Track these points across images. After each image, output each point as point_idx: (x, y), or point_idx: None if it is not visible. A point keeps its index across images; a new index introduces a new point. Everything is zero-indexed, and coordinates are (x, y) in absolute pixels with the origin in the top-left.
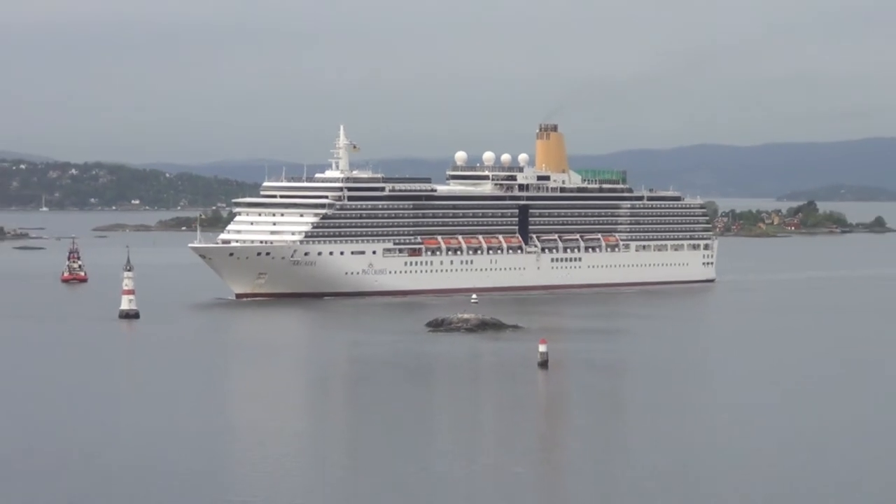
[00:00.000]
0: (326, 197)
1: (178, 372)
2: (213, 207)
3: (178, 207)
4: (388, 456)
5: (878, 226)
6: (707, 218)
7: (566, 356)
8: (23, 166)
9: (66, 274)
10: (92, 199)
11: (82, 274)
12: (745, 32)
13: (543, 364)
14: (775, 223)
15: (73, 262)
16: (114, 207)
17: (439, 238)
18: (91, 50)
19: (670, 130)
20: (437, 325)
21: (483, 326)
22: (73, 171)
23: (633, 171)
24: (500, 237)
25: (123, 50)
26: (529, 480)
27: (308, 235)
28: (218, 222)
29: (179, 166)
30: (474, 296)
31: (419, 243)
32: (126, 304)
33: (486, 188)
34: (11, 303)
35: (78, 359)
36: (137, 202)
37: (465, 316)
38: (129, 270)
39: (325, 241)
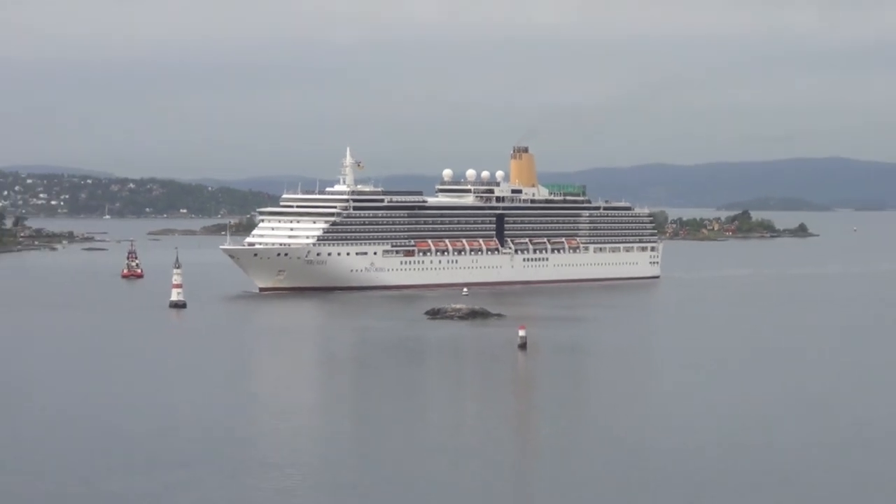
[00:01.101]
0: (335, 207)
1: (216, 352)
2: (248, 215)
3: (219, 215)
4: (391, 424)
5: (801, 231)
6: (653, 224)
7: (541, 339)
8: (89, 181)
9: (125, 271)
10: (147, 209)
11: (139, 271)
12: (694, 70)
13: (523, 346)
14: (716, 229)
15: (132, 261)
16: (165, 215)
17: (430, 241)
18: (149, 86)
19: (629, 151)
20: (434, 314)
21: (473, 315)
22: (132, 185)
23: (596, 186)
24: (481, 240)
25: (176, 85)
26: (511, 445)
27: (320, 239)
28: (252, 227)
29: (220, 181)
30: (465, 289)
31: (413, 246)
32: (175, 296)
33: (469, 200)
34: (80, 294)
35: (135, 341)
36: (185, 211)
37: (458, 306)
38: (177, 268)
39: (333, 244)
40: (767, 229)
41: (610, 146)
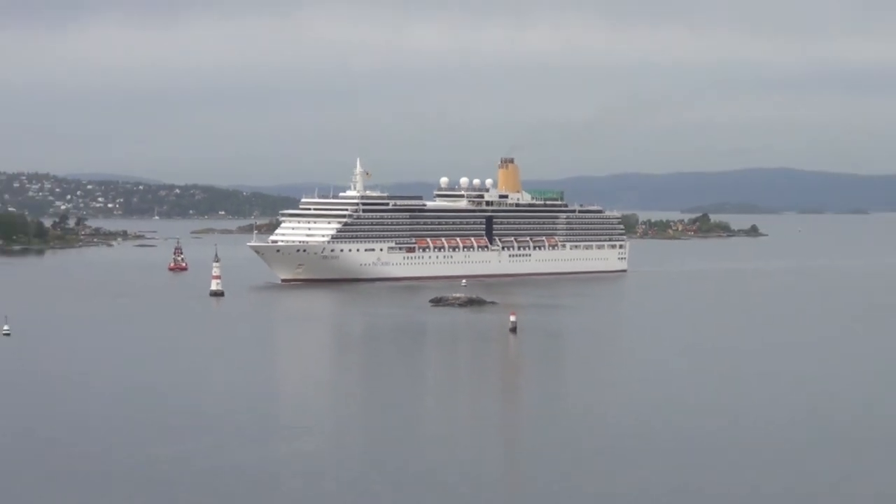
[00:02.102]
0: (347, 209)
1: (248, 333)
2: (277, 217)
3: (252, 217)
4: (400, 395)
5: (753, 232)
6: (622, 225)
7: (529, 324)
8: (141, 187)
9: (171, 264)
10: (190, 211)
11: (183, 264)
12: (662, 92)
13: (513, 329)
14: (679, 230)
15: (177, 255)
16: (206, 217)
17: (428, 239)
18: (192, 106)
19: (604, 162)
20: (438, 301)
21: (470, 302)
22: (177, 191)
23: (575, 193)
24: (472, 239)
25: (215, 106)
26: (502, 413)
27: (333, 237)
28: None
29: (253, 187)
30: (464, 281)
31: (414, 243)
32: (215, 285)
33: (462, 204)
34: (133, 284)
35: (180, 325)
36: (223, 213)
37: (458, 295)
38: (216, 262)
39: (345, 241)
40: (724, 230)
41: (588, 157)
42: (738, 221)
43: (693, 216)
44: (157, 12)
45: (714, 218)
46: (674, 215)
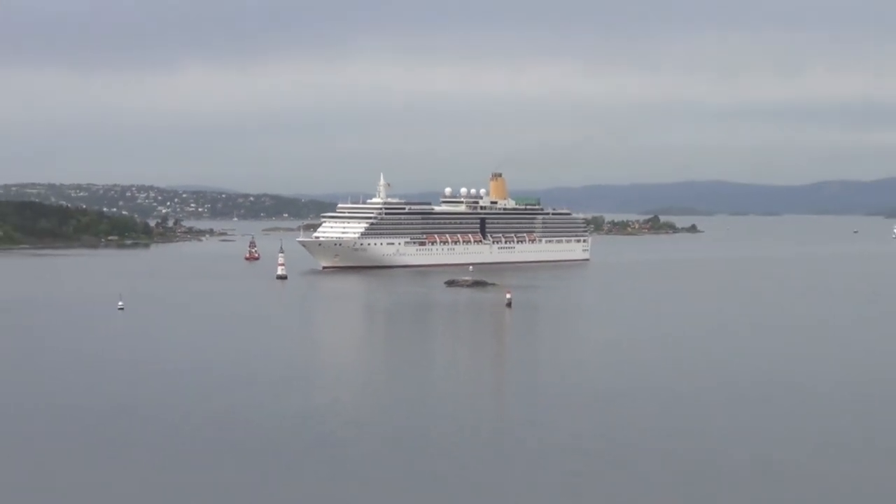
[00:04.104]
0: (373, 212)
1: (304, 307)
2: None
3: (309, 218)
4: (420, 353)
5: (693, 229)
6: (586, 224)
7: (520, 300)
8: (223, 195)
9: (247, 255)
10: (261, 214)
11: (256, 255)
12: (625, 121)
13: (509, 305)
14: (636, 228)
15: (252, 248)
16: (273, 218)
17: (436, 235)
18: (261, 134)
19: (578, 175)
20: (451, 283)
21: (476, 284)
22: (251, 198)
23: (555, 200)
24: (470, 235)
25: (280, 133)
26: (500, 367)
27: (362, 234)
28: None
29: (310, 195)
30: (471, 267)
31: (425, 238)
32: (280, 271)
33: (462, 208)
34: (217, 270)
35: (254, 300)
36: (287, 216)
37: (466, 278)
38: (281, 253)
39: (372, 237)
40: (670, 228)
41: (566, 172)
42: (681, 221)
43: (647, 217)
44: (237, 62)
45: (663, 219)
46: (632, 217)
